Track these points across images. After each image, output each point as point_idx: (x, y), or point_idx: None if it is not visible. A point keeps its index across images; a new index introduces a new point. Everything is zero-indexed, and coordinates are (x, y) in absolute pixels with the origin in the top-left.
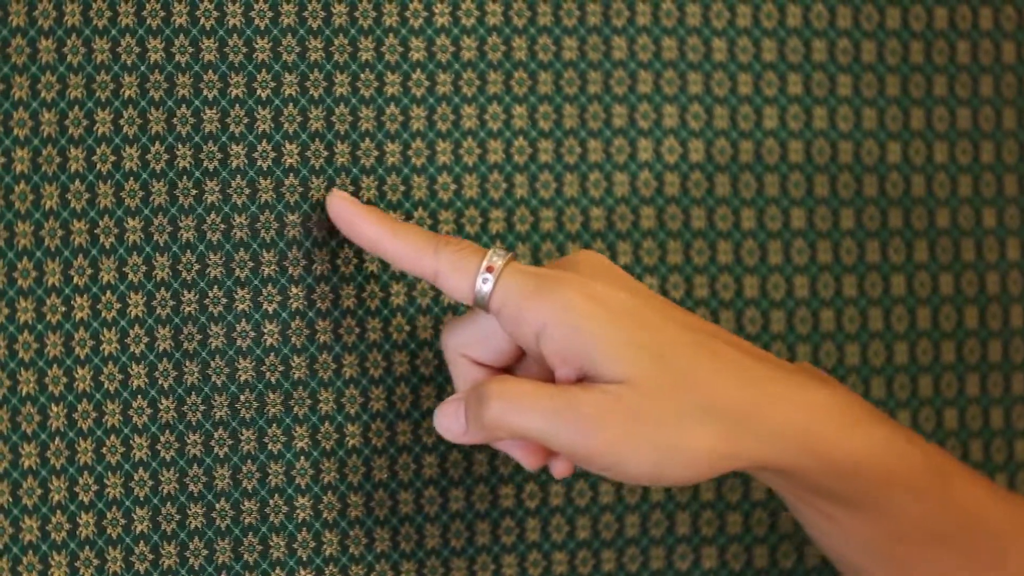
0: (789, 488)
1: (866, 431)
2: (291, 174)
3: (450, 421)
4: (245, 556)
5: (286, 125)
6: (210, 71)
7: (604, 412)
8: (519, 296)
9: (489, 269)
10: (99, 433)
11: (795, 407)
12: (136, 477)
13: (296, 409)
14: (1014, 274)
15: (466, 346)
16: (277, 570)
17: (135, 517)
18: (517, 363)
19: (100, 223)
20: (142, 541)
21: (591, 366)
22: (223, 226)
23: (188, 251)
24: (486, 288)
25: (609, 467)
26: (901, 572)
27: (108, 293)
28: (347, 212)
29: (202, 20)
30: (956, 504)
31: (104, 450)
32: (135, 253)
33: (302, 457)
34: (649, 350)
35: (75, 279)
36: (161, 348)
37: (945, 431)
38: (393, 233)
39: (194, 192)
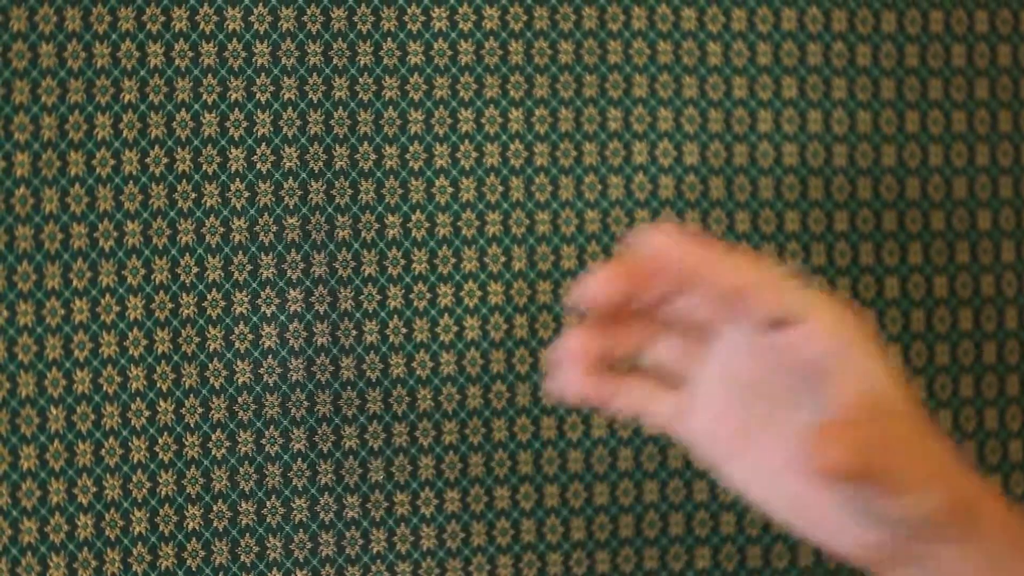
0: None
1: None
2: (290, 177)
3: (838, 452)
4: (242, 557)
5: (285, 129)
6: (209, 75)
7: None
8: (837, 318)
9: None
10: (98, 435)
11: None
12: (134, 479)
13: (293, 411)
14: (1009, 275)
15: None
16: (274, 571)
17: (133, 519)
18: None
19: (100, 227)
20: (140, 542)
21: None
22: (222, 229)
23: (187, 254)
24: (809, 301)
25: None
26: None
27: (107, 296)
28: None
29: (202, 25)
30: None
31: (103, 452)
32: (134, 256)
33: (299, 459)
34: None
35: (74, 282)
36: (160, 351)
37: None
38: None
39: (193, 195)
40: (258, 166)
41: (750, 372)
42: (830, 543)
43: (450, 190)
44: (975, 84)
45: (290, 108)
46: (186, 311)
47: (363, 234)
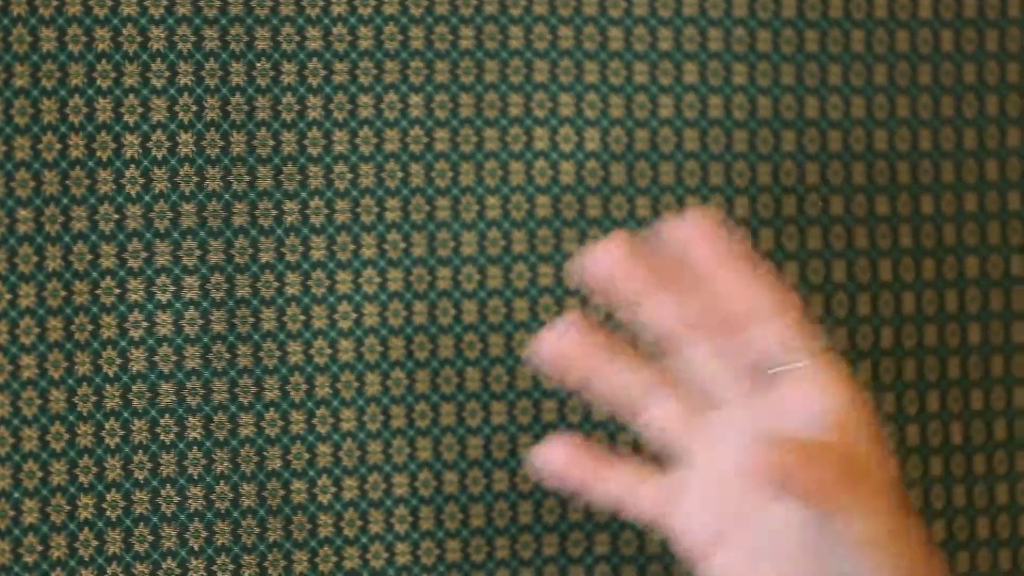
0: None
1: None
2: (186, 163)
3: (790, 456)
4: (136, 546)
5: (181, 114)
6: (104, 60)
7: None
8: (836, 378)
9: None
10: None
11: None
12: (25, 469)
13: (189, 399)
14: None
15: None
16: (168, 560)
17: (24, 509)
18: None
19: None
20: (31, 532)
21: None
22: (116, 216)
23: (80, 241)
24: (816, 352)
25: (875, 559)
26: None
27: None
28: (718, 231)
29: (95, 9)
30: None
31: None
32: (26, 244)
33: (195, 447)
34: None
35: None
36: (52, 339)
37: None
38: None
39: (87, 182)
40: (153, 152)
41: (737, 453)
42: None
43: (349, 176)
44: (851, 69)
45: (186, 94)
46: (80, 299)
47: (260, 221)
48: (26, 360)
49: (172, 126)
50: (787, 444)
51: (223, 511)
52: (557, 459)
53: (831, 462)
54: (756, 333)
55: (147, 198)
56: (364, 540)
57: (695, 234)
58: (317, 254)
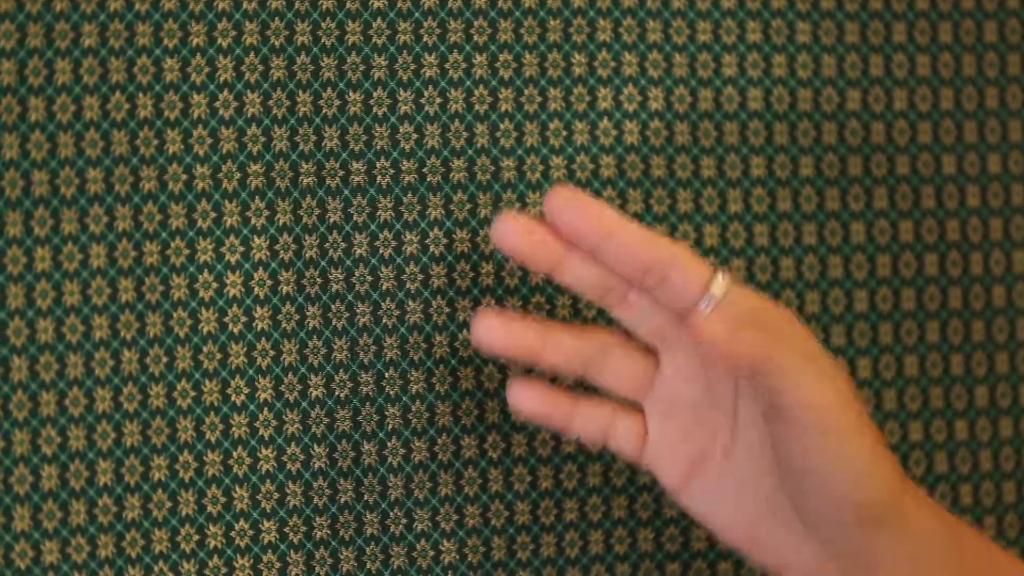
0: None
1: None
2: (253, 124)
3: (719, 326)
4: (208, 508)
5: (247, 75)
6: (172, 19)
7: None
8: (754, 297)
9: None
10: None
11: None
12: (99, 429)
13: (259, 361)
14: (974, 221)
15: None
16: (241, 522)
17: (98, 470)
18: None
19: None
20: (105, 493)
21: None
22: (185, 176)
23: (150, 201)
24: (724, 282)
25: (831, 430)
26: None
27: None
28: (582, 201)
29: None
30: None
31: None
32: (96, 204)
33: (265, 409)
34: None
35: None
36: (123, 300)
37: (905, 378)
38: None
39: (155, 142)
40: (221, 112)
41: (692, 389)
42: (785, 567)
43: (415, 136)
44: (938, 28)
45: (252, 53)
46: (150, 259)
47: (328, 181)
48: (98, 321)
49: (239, 86)
50: (713, 314)
51: (294, 472)
52: (531, 398)
53: (761, 321)
54: (673, 278)
55: (215, 158)
56: (434, 502)
57: (571, 206)
58: (384, 215)
